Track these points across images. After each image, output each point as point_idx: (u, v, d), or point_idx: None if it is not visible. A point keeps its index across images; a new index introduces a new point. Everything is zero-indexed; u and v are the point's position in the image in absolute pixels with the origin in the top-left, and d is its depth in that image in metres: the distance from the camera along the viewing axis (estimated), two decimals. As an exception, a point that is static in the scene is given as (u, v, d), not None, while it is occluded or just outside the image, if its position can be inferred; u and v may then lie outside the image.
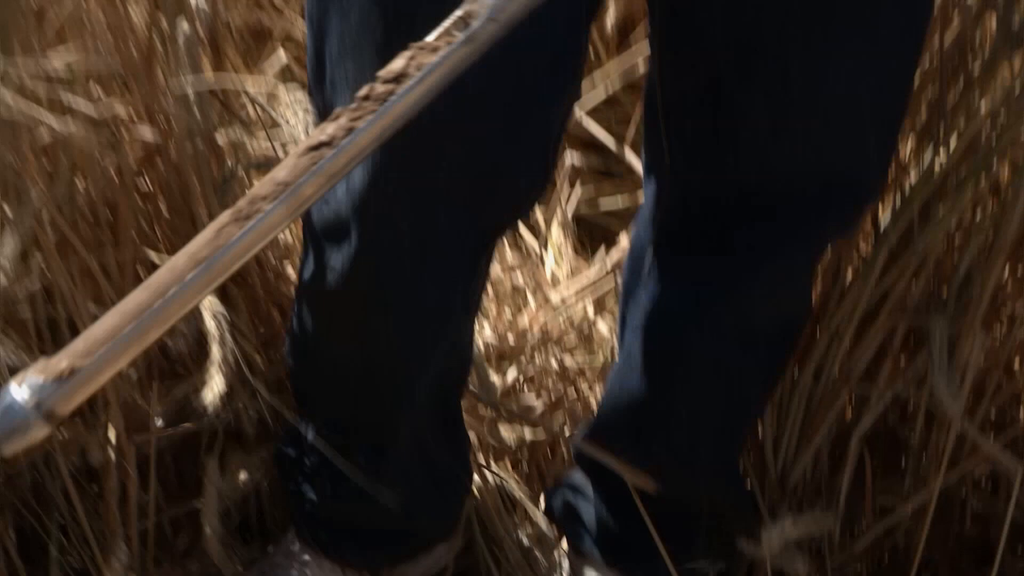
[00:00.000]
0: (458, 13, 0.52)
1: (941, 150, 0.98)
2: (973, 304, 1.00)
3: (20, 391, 0.45)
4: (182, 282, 0.47)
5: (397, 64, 0.51)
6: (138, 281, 0.57)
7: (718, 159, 0.83)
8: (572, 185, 1.47)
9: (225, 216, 0.48)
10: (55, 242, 0.92)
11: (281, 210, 0.48)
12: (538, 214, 1.41)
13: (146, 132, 1.00)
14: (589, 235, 1.46)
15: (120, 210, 0.98)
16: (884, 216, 1.02)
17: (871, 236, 1.03)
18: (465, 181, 0.76)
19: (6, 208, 0.89)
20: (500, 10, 0.52)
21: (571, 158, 1.48)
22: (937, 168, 0.98)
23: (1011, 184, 1.00)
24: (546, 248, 1.33)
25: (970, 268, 1.01)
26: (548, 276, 1.33)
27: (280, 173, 0.49)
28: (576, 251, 1.41)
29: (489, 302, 1.27)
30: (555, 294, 1.29)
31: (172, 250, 1.00)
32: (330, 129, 0.49)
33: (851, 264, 1.03)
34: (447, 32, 0.52)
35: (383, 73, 0.50)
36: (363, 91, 0.50)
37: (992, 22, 0.99)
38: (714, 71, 0.79)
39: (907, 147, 1.04)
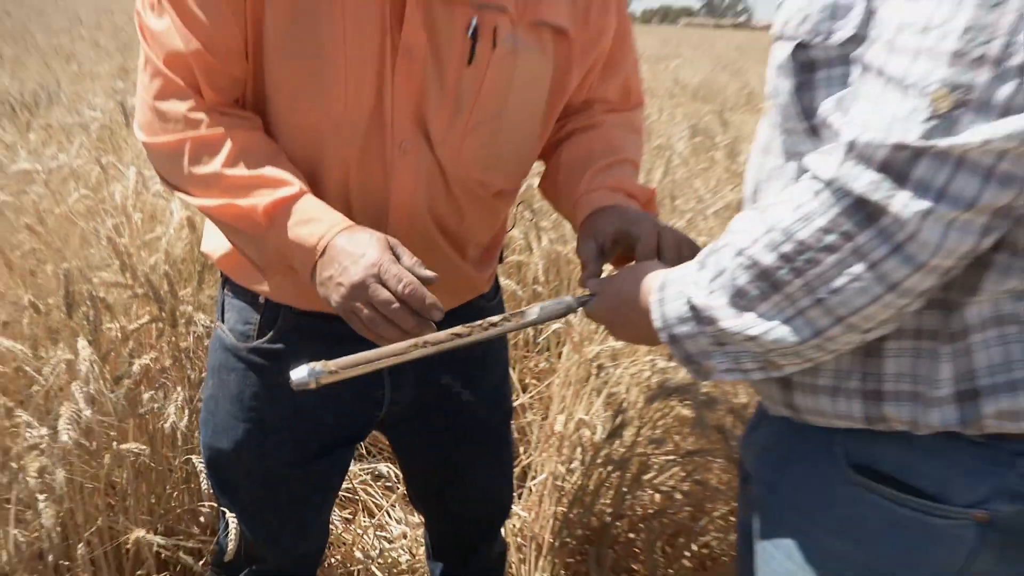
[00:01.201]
0: (521, 310, 1.11)
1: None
2: None
3: (311, 367, 1.03)
4: (388, 354, 1.05)
5: (495, 318, 1.10)
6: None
7: (442, 516, 1.75)
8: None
9: (419, 340, 1.06)
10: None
11: (430, 349, 1.06)
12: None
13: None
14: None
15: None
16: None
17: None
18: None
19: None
20: (537, 318, 1.11)
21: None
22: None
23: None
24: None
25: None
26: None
27: (438, 337, 1.06)
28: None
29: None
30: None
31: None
32: (461, 330, 1.08)
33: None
34: (511, 314, 1.10)
35: (490, 319, 1.10)
36: (482, 322, 1.09)
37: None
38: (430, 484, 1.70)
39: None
